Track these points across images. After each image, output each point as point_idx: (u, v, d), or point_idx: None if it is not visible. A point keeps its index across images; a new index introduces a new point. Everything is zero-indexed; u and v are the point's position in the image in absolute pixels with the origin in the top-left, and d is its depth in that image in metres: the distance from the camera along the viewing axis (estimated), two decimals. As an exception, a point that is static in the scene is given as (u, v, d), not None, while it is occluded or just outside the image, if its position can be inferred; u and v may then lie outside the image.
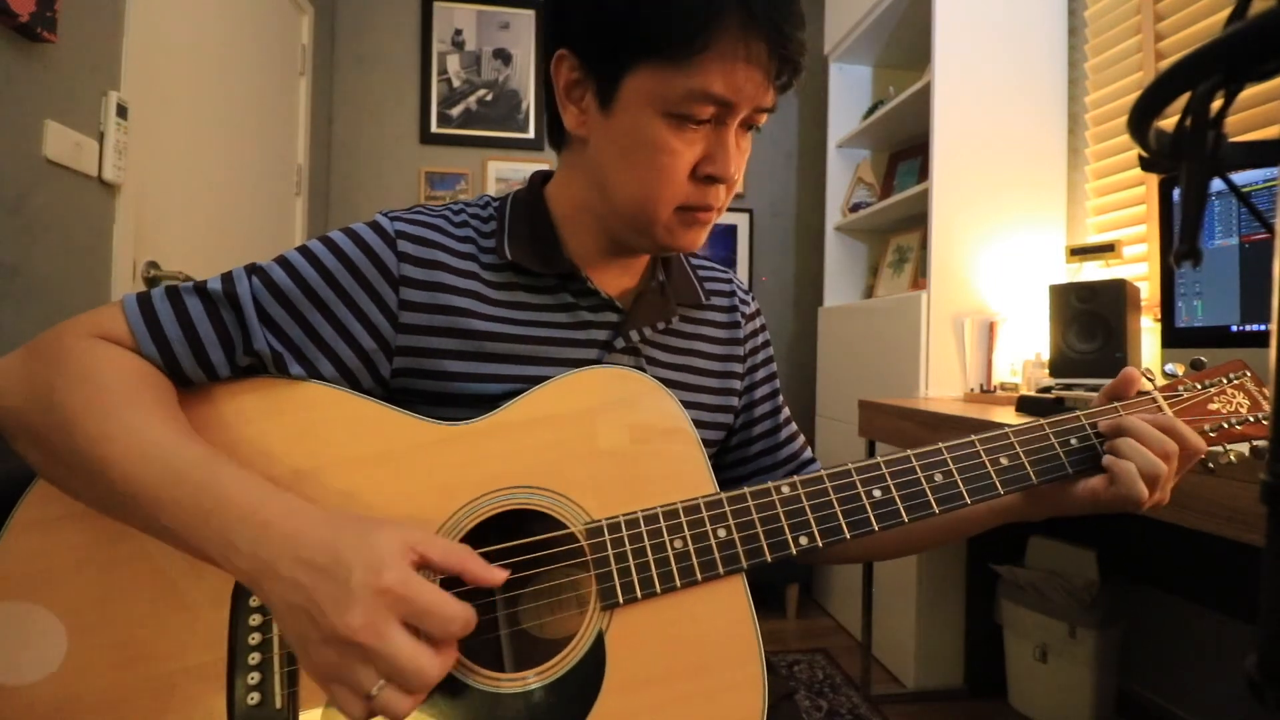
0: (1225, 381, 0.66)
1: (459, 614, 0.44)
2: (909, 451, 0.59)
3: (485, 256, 0.63)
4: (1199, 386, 0.65)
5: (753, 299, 0.80)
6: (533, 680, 0.51)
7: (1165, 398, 0.64)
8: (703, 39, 0.53)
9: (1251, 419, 0.63)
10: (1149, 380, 0.66)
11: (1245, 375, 0.66)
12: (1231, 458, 0.62)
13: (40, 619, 0.49)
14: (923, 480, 0.57)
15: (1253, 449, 0.62)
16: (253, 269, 0.58)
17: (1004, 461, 0.59)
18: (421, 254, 0.61)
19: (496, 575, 0.47)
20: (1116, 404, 0.63)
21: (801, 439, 0.80)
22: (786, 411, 0.80)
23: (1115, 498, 0.58)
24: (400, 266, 0.60)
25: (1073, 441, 0.60)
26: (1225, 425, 0.63)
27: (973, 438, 0.60)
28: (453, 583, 0.47)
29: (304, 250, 0.60)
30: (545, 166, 0.72)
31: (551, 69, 0.61)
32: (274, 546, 0.44)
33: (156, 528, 0.47)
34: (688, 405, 0.60)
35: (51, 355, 0.51)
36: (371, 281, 0.59)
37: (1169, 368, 0.67)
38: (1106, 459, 0.59)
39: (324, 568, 0.43)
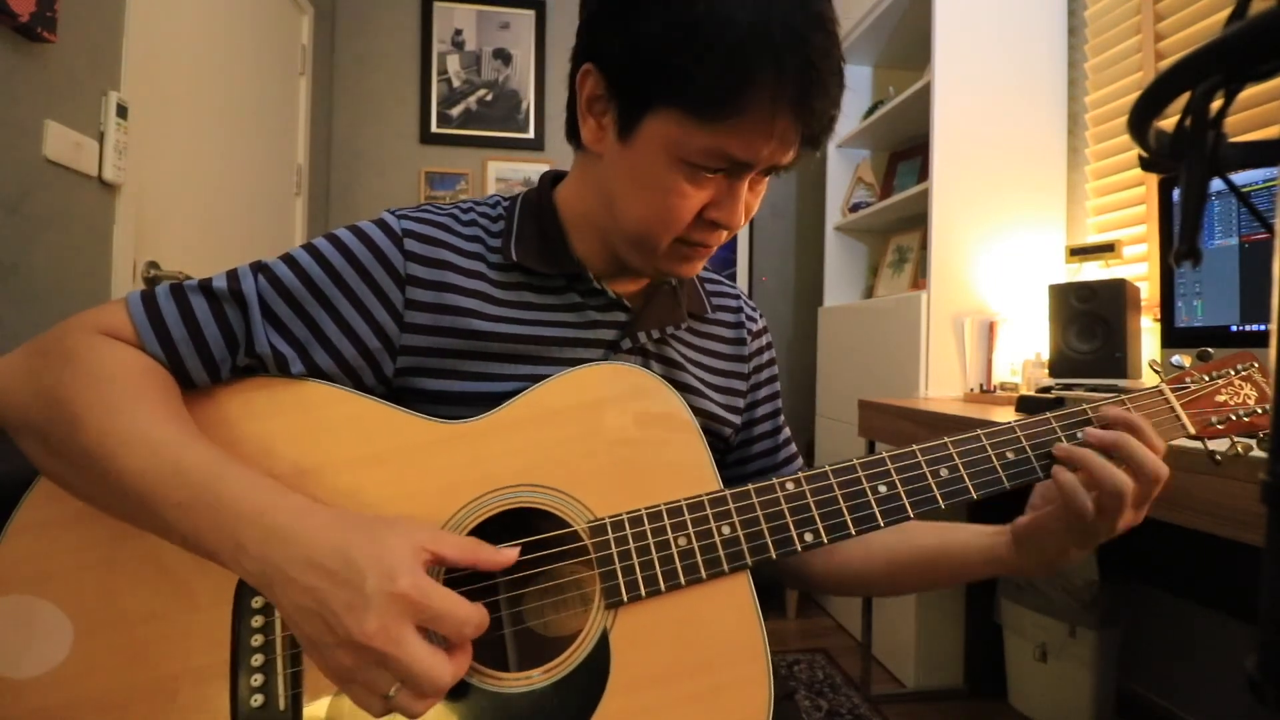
0: (1233, 373, 0.65)
1: (472, 616, 0.45)
2: (914, 446, 0.58)
3: (493, 256, 0.63)
4: (1206, 379, 0.64)
5: (760, 316, 0.79)
6: (537, 679, 0.51)
7: (1172, 389, 0.64)
8: (730, 107, 0.51)
9: (1259, 410, 0.62)
10: (1156, 372, 0.65)
11: (1253, 367, 0.65)
12: (1239, 449, 0.62)
13: (44, 614, 0.49)
14: (928, 475, 0.57)
15: (1260, 441, 0.61)
16: (258, 267, 0.58)
17: (1010, 456, 0.58)
18: (428, 253, 0.61)
19: (507, 555, 0.49)
20: (1123, 396, 0.62)
21: (800, 461, 0.79)
22: (787, 432, 0.79)
23: (1062, 514, 0.56)
24: (407, 265, 0.60)
25: (1079, 435, 0.60)
26: (1233, 417, 0.62)
27: (979, 432, 0.59)
28: (455, 581, 0.47)
29: (310, 248, 0.59)
30: (546, 166, 0.72)
31: (576, 78, 0.60)
32: (284, 549, 0.44)
33: (163, 528, 0.47)
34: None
35: (57, 352, 0.51)
36: (378, 280, 0.59)
37: (1176, 359, 0.66)
38: (1054, 470, 0.57)
39: (336, 572, 0.43)
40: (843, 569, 0.70)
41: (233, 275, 0.57)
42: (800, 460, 0.80)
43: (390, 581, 0.42)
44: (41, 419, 0.49)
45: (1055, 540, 0.58)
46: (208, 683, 0.49)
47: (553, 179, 0.70)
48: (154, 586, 0.50)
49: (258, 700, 0.49)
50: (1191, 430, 0.62)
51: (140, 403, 0.49)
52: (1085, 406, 0.61)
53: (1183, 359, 0.66)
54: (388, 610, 0.42)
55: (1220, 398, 0.63)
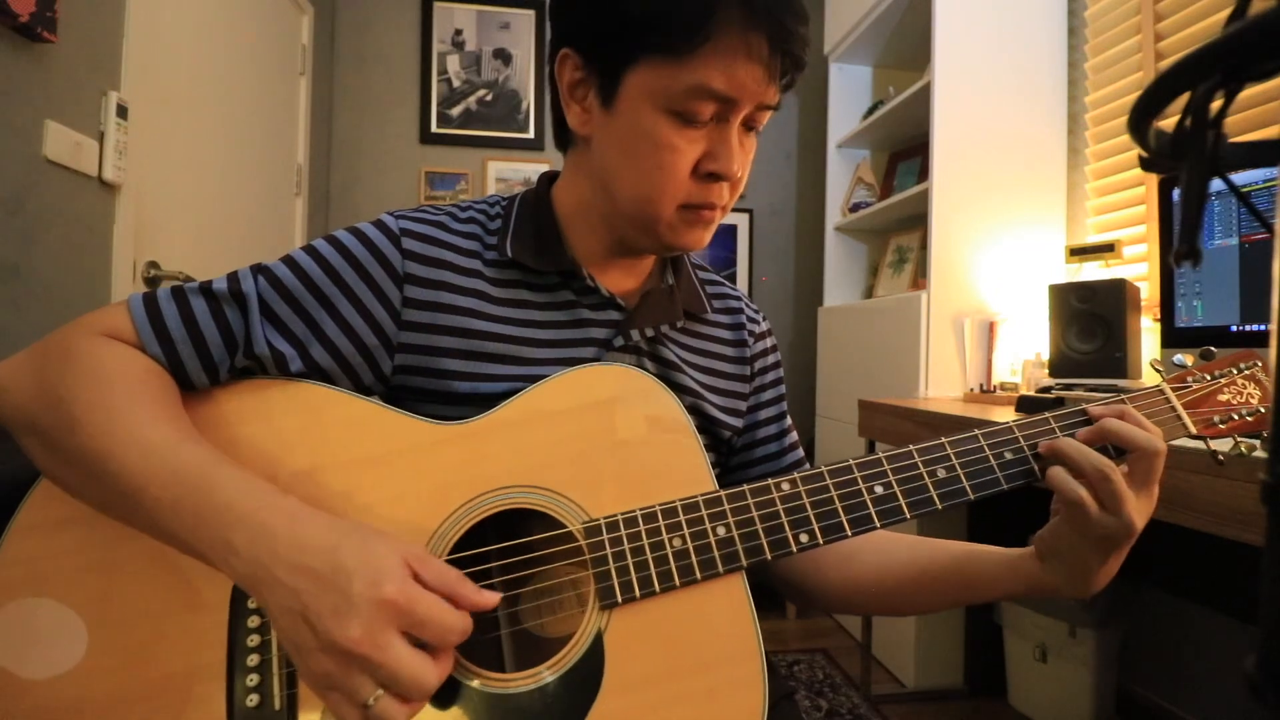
0: (1235, 372, 0.64)
1: (457, 623, 0.44)
2: (911, 447, 0.58)
3: (489, 254, 0.63)
4: (1208, 377, 0.63)
5: (763, 319, 0.78)
6: (531, 681, 0.51)
7: (1174, 389, 0.63)
8: (702, 33, 0.52)
9: (1263, 409, 0.61)
10: (1158, 371, 0.65)
11: (1256, 365, 0.64)
12: (1243, 449, 0.60)
13: (50, 614, 0.49)
14: (925, 475, 0.57)
15: (1264, 441, 0.61)
16: (258, 268, 0.58)
17: (1008, 456, 0.58)
18: (427, 252, 0.61)
19: (488, 599, 0.47)
20: (1123, 396, 0.61)
21: (807, 466, 0.77)
22: (794, 436, 0.77)
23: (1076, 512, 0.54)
24: (405, 264, 0.60)
25: (1077, 435, 0.60)
26: (1235, 416, 0.61)
27: (976, 432, 0.59)
28: (458, 566, 0.47)
29: (309, 249, 0.60)
30: (545, 166, 0.72)
31: (555, 69, 0.61)
32: (273, 550, 0.44)
33: (156, 528, 0.47)
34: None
35: (59, 353, 0.51)
36: (376, 278, 0.59)
37: (1178, 358, 0.64)
38: (1049, 472, 0.56)
39: (323, 575, 0.43)
40: (862, 582, 0.67)
41: (233, 277, 0.57)
42: (807, 465, 0.77)
43: (376, 588, 0.42)
44: (42, 418, 0.49)
45: (1072, 547, 0.56)
46: (205, 682, 0.49)
47: (550, 178, 0.70)
48: (153, 587, 0.51)
49: (253, 700, 0.49)
50: (1193, 430, 0.61)
51: (138, 404, 0.49)
52: (1085, 406, 0.60)
53: (1185, 358, 0.65)
54: (373, 616, 0.41)
55: (1223, 396, 0.62)
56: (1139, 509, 0.54)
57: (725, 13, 0.52)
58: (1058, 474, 0.55)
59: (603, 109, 0.59)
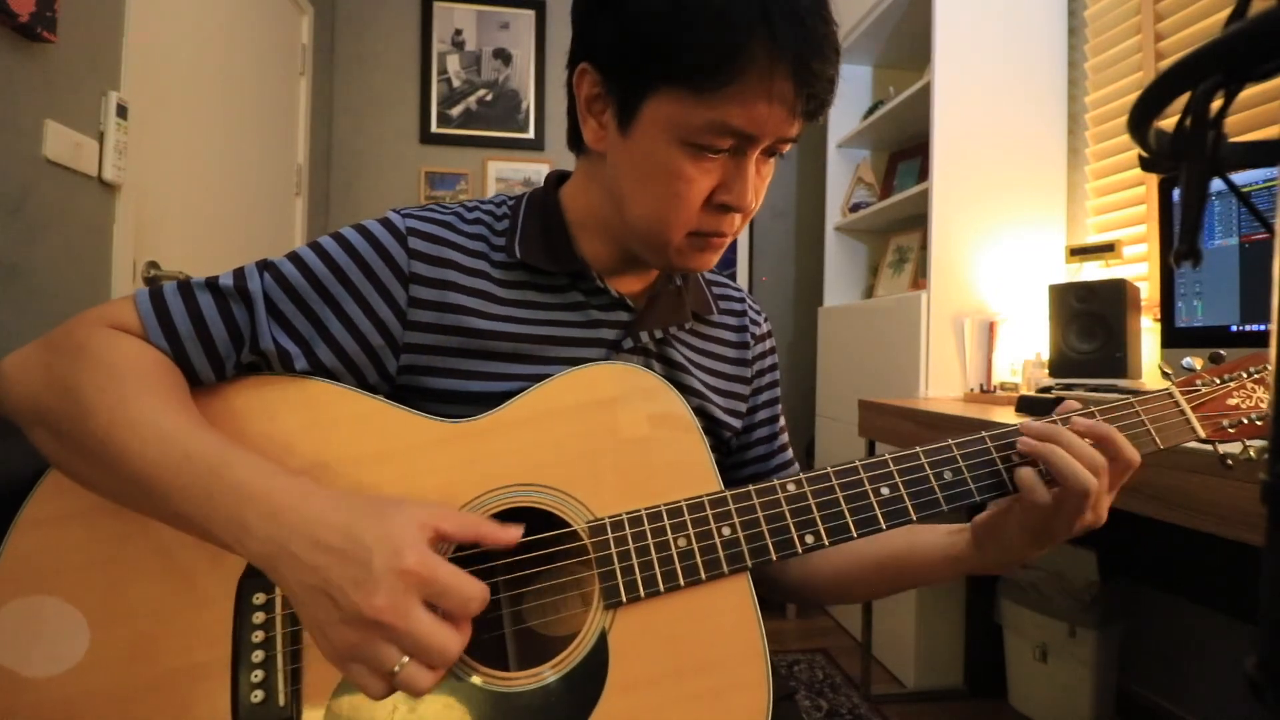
0: (1245, 375, 0.63)
1: (477, 592, 0.45)
2: (917, 449, 0.58)
3: (496, 255, 0.63)
4: (1218, 381, 0.63)
5: (765, 320, 0.79)
6: (535, 680, 0.51)
7: (1183, 392, 0.62)
8: (726, 73, 0.51)
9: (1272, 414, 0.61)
10: (1166, 376, 0.64)
11: (1265, 369, 0.64)
12: (1251, 454, 0.60)
13: (54, 609, 0.49)
14: (931, 478, 0.57)
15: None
16: (264, 265, 0.59)
17: (1015, 458, 0.58)
18: (433, 251, 0.61)
19: (512, 533, 0.48)
20: (1133, 399, 0.61)
21: (795, 468, 0.78)
22: (784, 438, 0.78)
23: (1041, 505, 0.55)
24: (411, 263, 0.60)
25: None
26: (1244, 420, 0.61)
27: (983, 434, 0.59)
28: (462, 564, 0.47)
29: (315, 246, 0.60)
30: (545, 166, 0.72)
31: (574, 81, 0.60)
32: (289, 529, 0.44)
33: (169, 514, 0.47)
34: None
35: (69, 345, 0.52)
36: (381, 277, 0.59)
37: (1186, 361, 0.64)
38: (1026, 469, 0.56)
39: (342, 549, 0.43)
40: (815, 576, 0.70)
41: (239, 273, 0.58)
42: (796, 467, 0.78)
43: (397, 558, 0.42)
44: (53, 409, 0.50)
45: (1012, 538, 0.58)
46: (209, 678, 0.49)
47: (558, 179, 0.70)
48: (158, 582, 0.51)
49: (258, 696, 0.49)
50: (1201, 434, 0.61)
51: (149, 393, 0.50)
52: (1094, 408, 0.60)
53: (1194, 361, 0.64)
54: (396, 586, 0.42)
55: (1232, 400, 0.62)
56: (1088, 521, 0.56)
57: (750, 55, 0.51)
58: (1028, 476, 0.55)
59: (619, 131, 0.58)
